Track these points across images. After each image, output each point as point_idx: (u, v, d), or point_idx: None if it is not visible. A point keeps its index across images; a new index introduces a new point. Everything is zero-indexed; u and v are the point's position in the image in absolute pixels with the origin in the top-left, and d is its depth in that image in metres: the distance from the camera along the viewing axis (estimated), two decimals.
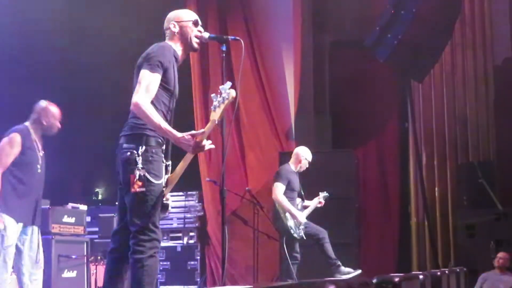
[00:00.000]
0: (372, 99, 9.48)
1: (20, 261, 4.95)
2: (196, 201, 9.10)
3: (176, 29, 3.77)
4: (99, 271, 7.06)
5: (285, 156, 7.60)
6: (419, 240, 9.20)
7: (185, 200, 9.04)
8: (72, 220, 6.68)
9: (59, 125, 5.14)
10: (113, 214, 7.96)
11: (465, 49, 9.22)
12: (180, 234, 8.89)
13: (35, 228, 5.04)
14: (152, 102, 3.53)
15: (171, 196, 3.78)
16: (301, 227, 6.64)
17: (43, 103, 5.12)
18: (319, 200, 7.03)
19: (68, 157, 8.37)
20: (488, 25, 9.19)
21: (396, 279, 2.75)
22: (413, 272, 5.54)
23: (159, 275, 7.99)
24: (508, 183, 8.21)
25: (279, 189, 6.65)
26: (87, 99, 9.16)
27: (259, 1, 9.35)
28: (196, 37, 3.79)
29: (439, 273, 4.33)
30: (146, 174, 3.48)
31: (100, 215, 8.16)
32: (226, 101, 3.43)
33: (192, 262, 8.83)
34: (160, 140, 3.60)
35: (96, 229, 8.08)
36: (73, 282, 6.50)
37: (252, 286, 2.28)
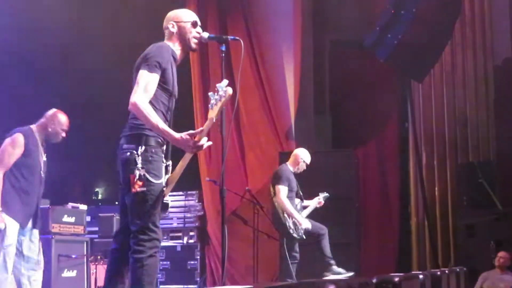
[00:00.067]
0: (372, 99, 9.48)
1: (18, 261, 4.95)
2: (196, 200, 9.10)
3: (175, 29, 3.77)
4: (99, 271, 7.07)
5: (285, 156, 7.60)
6: (419, 240, 9.20)
7: (185, 200, 9.04)
8: (72, 219, 6.68)
9: (64, 135, 5.15)
10: (113, 214, 7.97)
11: (465, 49, 9.22)
12: (180, 234, 8.90)
13: (35, 230, 5.04)
14: (151, 103, 3.53)
15: (170, 195, 3.78)
16: (302, 228, 6.64)
17: (52, 110, 5.15)
18: (319, 200, 7.04)
19: (68, 157, 8.36)
20: (488, 25, 9.19)
21: (396, 279, 2.76)
22: (413, 272, 5.54)
23: (159, 275, 7.99)
24: (508, 183, 8.21)
25: (282, 192, 6.65)
26: (87, 99, 9.16)
27: (259, 1, 9.35)
28: (195, 38, 3.78)
29: (439, 273, 4.34)
30: (146, 174, 3.48)
31: (100, 214, 8.17)
32: (223, 99, 3.44)
33: (192, 262, 8.83)
34: (160, 140, 3.60)
35: (96, 228, 8.09)
36: (73, 281, 6.50)
37: (252, 286, 2.29)
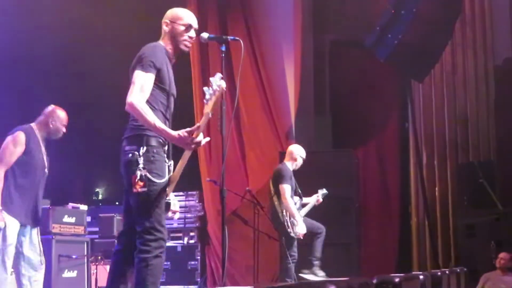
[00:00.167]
0: (373, 99, 9.48)
1: (19, 262, 4.94)
2: (197, 201, 9.10)
3: (168, 29, 3.77)
4: (99, 271, 7.07)
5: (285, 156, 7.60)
6: (420, 240, 9.20)
7: (185, 200, 9.04)
8: (73, 220, 6.68)
9: (64, 130, 5.15)
10: (113, 214, 7.97)
11: (466, 49, 9.22)
12: (180, 234, 8.90)
13: (34, 230, 5.04)
14: (149, 103, 3.54)
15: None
16: (297, 232, 6.63)
17: (51, 106, 5.14)
18: (317, 197, 7.03)
19: (68, 157, 8.37)
20: (489, 25, 9.19)
21: (397, 279, 2.76)
22: (413, 272, 5.54)
23: None
24: (508, 183, 8.20)
25: (287, 191, 6.64)
26: (88, 99, 9.16)
27: (259, 1, 9.35)
28: (186, 41, 3.76)
29: (439, 273, 4.34)
30: (148, 174, 3.48)
31: (101, 215, 8.17)
32: (217, 93, 3.45)
33: (193, 262, 8.83)
34: (161, 140, 3.60)
35: (97, 229, 8.09)
36: (73, 282, 6.50)
37: (252, 286, 2.29)
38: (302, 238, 6.61)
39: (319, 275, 6.65)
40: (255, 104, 9.13)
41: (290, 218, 6.60)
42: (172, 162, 3.69)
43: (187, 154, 3.58)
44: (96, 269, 7.09)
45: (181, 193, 8.96)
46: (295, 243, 6.67)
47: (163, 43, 3.75)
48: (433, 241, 8.95)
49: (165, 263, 8.59)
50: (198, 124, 3.47)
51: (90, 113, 9.31)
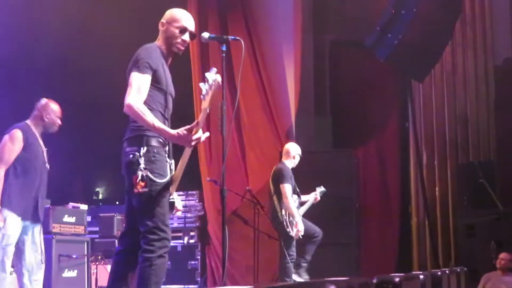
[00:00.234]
0: (373, 99, 9.48)
1: (20, 261, 4.94)
2: (197, 200, 9.10)
3: (163, 30, 3.79)
4: (99, 271, 7.07)
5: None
6: (420, 240, 9.20)
7: (185, 200, 9.04)
8: (73, 219, 6.68)
9: (59, 122, 5.15)
10: (113, 214, 7.97)
11: (466, 49, 9.22)
12: (180, 234, 8.90)
13: (37, 228, 5.04)
14: (147, 104, 3.55)
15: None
16: (293, 231, 6.63)
17: (43, 100, 5.14)
18: (316, 195, 7.03)
19: (69, 157, 8.37)
20: (489, 25, 9.19)
21: (397, 279, 2.76)
22: (413, 272, 5.54)
23: None
24: (508, 183, 8.20)
25: (288, 191, 6.64)
26: (89, 99, 9.16)
27: (260, 1, 9.35)
28: (178, 44, 3.76)
29: (439, 273, 4.34)
30: (149, 174, 3.49)
31: (101, 214, 8.17)
32: (213, 87, 3.45)
33: (193, 262, 8.83)
34: (162, 140, 3.61)
35: (97, 228, 8.09)
36: (74, 281, 6.50)
37: (252, 286, 2.29)
38: (300, 237, 6.61)
39: (303, 277, 6.65)
40: (255, 104, 9.13)
41: (289, 218, 6.61)
42: (173, 161, 3.70)
43: (187, 152, 3.59)
44: (96, 268, 7.09)
45: (181, 193, 8.95)
46: (294, 243, 6.67)
47: (158, 44, 3.77)
48: (433, 241, 8.95)
49: None
50: (197, 121, 3.48)
51: (90, 113, 9.31)
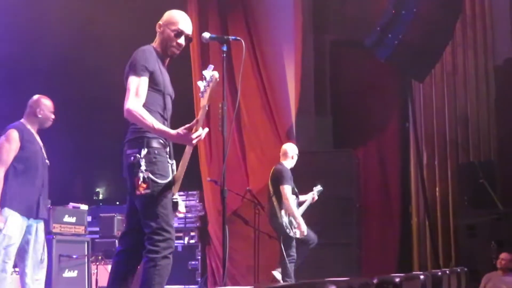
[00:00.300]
0: (373, 99, 9.48)
1: (23, 261, 4.94)
2: (197, 201, 9.10)
3: (160, 31, 3.79)
4: (100, 271, 7.07)
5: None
6: (420, 240, 9.20)
7: (186, 200, 9.04)
8: (73, 219, 6.68)
9: (53, 117, 5.15)
10: (114, 214, 7.97)
11: (466, 49, 9.22)
12: (181, 234, 8.89)
13: (40, 226, 5.03)
14: (146, 106, 3.57)
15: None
16: (297, 231, 6.63)
17: (35, 96, 5.14)
18: (313, 195, 7.03)
19: (69, 157, 8.37)
20: (489, 25, 9.19)
21: (397, 280, 2.76)
22: (414, 272, 5.54)
23: None
24: (509, 183, 8.21)
25: (288, 192, 6.64)
26: (88, 99, 9.16)
27: (260, 1, 9.35)
28: (173, 47, 3.76)
29: (440, 273, 4.34)
30: (151, 176, 3.50)
31: (101, 214, 8.17)
32: (211, 84, 3.45)
33: (193, 262, 8.83)
34: (162, 141, 3.62)
35: (97, 229, 8.09)
36: (74, 282, 6.50)
37: (253, 287, 2.29)
38: (304, 236, 6.60)
39: (278, 279, 6.65)
40: (255, 104, 9.13)
41: (289, 218, 6.61)
42: (174, 162, 3.71)
43: (188, 152, 3.59)
44: (97, 269, 7.09)
45: (181, 193, 8.95)
46: (294, 243, 6.67)
47: (155, 46, 3.78)
48: (434, 241, 8.95)
49: None
50: (196, 119, 3.49)
51: (90, 113, 9.31)
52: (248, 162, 9.08)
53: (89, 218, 7.42)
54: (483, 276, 7.44)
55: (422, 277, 3.47)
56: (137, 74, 3.57)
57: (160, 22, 3.80)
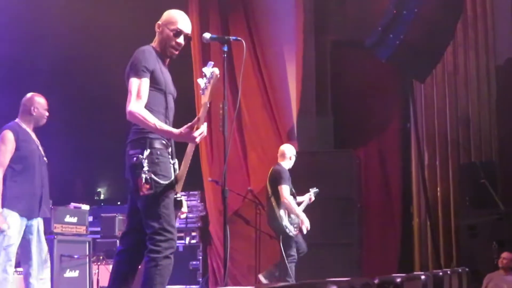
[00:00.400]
0: (374, 99, 9.46)
1: (27, 261, 4.94)
2: (198, 201, 9.11)
3: (159, 31, 3.80)
4: (101, 271, 7.07)
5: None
6: (421, 240, 9.19)
7: (187, 200, 9.03)
8: (74, 220, 6.69)
9: (47, 114, 5.14)
10: (115, 214, 7.98)
11: (467, 49, 9.21)
12: (182, 234, 8.90)
13: (40, 224, 5.03)
14: (148, 106, 3.57)
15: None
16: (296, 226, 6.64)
17: (28, 94, 5.14)
18: (310, 196, 7.04)
19: (70, 157, 8.38)
20: (491, 25, 9.18)
21: (398, 280, 2.75)
22: (415, 273, 5.53)
23: None
24: (510, 183, 8.20)
25: (286, 192, 6.64)
26: (89, 99, 9.16)
27: (261, 1, 9.35)
28: (172, 47, 3.76)
29: (441, 274, 4.33)
30: (153, 176, 3.51)
31: (102, 215, 8.18)
32: (212, 81, 3.47)
33: (194, 262, 8.83)
34: (164, 142, 3.63)
35: (98, 229, 8.10)
36: (75, 282, 6.51)
37: (254, 287, 2.29)
38: (309, 229, 6.59)
39: (263, 281, 6.66)
40: (256, 104, 9.13)
41: (288, 218, 6.61)
42: (176, 161, 3.72)
43: (190, 151, 3.60)
44: (98, 269, 7.09)
45: (183, 193, 8.90)
46: (293, 243, 6.67)
47: (154, 45, 3.78)
48: (435, 241, 8.94)
49: None
50: (197, 117, 3.50)
51: (91, 113, 9.32)
52: (249, 162, 9.09)
53: (90, 218, 7.43)
54: (485, 276, 7.43)
55: (423, 277, 3.47)
56: (138, 75, 3.57)
57: (159, 22, 3.80)
